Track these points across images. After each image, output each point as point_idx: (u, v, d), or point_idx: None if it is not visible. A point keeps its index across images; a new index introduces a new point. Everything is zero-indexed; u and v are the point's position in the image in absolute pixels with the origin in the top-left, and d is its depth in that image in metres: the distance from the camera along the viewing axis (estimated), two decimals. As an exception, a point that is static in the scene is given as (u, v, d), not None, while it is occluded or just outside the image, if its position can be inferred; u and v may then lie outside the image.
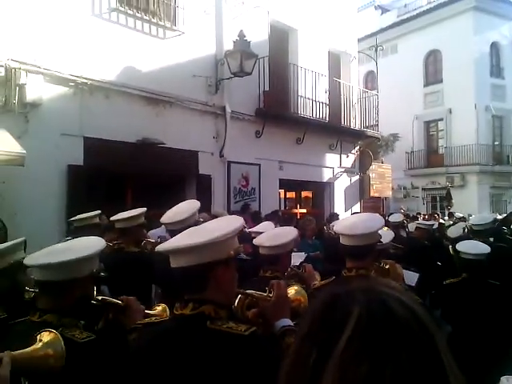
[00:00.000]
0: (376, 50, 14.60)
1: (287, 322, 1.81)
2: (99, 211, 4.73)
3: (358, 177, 13.09)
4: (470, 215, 13.05)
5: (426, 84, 22.45)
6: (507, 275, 4.21)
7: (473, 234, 5.67)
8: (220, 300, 1.60)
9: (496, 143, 21.61)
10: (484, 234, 5.45)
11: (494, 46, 21.61)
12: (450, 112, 21.31)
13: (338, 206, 12.14)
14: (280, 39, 10.91)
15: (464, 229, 7.12)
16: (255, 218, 7.64)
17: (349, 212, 11.83)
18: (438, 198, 21.79)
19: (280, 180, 10.66)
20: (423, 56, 22.44)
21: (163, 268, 1.85)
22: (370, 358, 0.63)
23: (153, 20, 8.10)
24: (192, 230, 1.75)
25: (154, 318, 2.16)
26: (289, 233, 2.82)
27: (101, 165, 7.14)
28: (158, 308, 2.31)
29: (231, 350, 1.43)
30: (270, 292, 1.90)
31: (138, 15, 7.89)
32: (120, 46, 7.60)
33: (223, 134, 9.23)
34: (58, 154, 6.68)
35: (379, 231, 2.75)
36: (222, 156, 9.24)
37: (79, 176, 6.96)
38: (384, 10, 25.13)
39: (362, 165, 13.02)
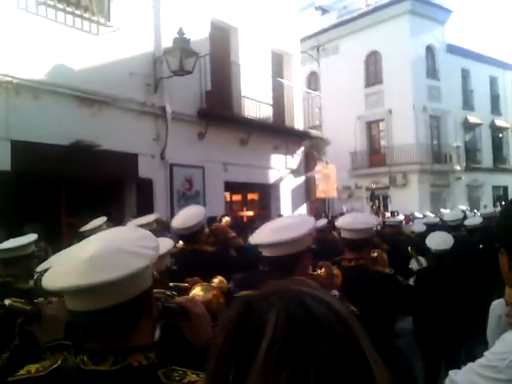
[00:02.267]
0: (318, 50, 14.71)
1: (336, 292, 2.24)
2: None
3: (303, 178, 13.09)
4: (412, 214, 13.48)
5: (367, 85, 22.98)
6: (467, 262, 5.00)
7: (448, 228, 6.32)
8: None
9: (434, 142, 22.47)
10: (457, 228, 6.51)
11: (429, 49, 22.48)
12: (390, 112, 21.90)
13: (285, 207, 12.06)
14: (221, 38, 10.70)
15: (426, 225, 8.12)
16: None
17: (296, 213, 11.77)
18: (381, 198, 22.34)
19: (225, 182, 10.46)
20: (364, 57, 22.97)
21: None
22: (292, 360, 0.60)
23: (85, 15, 7.64)
24: (274, 227, 2.20)
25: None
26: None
27: (31, 169, 6.70)
28: (215, 280, 2.21)
29: None
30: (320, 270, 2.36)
31: (69, 9, 7.42)
32: (49, 43, 7.14)
33: (164, 135, 8.90)
34: (-20, 159, 6.13)
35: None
36: (163, 158, 8.90)
37: (6, 182, 6.41)
38: (324, 10, 25.48)
39: (308, 166, 13.04)
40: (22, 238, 3.45)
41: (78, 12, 7.58)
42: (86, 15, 7.69)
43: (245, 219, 10.92)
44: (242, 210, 11.81)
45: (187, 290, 1.97)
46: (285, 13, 12.36)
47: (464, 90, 24.67)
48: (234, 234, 3.95)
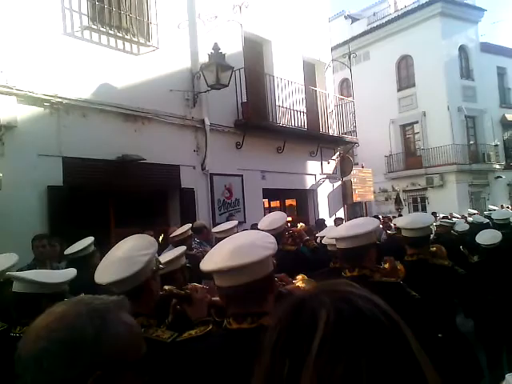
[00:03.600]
0: (349, 58, 14.81)
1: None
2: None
3: (339, 182, 13.17)
4: (451, 214, 13.30)
5: (400, 88, 22.86)
6: None
7: (497, 227, 6.63)
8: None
9: (471, 142, 22.08)
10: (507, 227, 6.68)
11: (462, 49, 22.18)
12: (425, 115, 21.70)
13: (323, 212, 12.18)
14: (254, 51, 11.00)
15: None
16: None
17: (333, 217, 11.86)
18: (418, 199, 22.10)
19: (263, 189, 10.66)
20: (395, 61, 22.89)
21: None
22: (344, 358, 0.63)
23: (126, 36, 8.07)
24: (349, 225, 2.84)
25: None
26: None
27: (81, 184, 7.05)
28: (298, 277, 2.50)
29: None
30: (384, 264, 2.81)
31: (111, 32, 7.84)
32: (94, 64, 7.53)
33: (204, 146, 9.21)
34: (36, 176, 6.55)
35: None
36: (203, 169, 9.20)
37: (59, 197, 6.82)
38: (354, 19, 25.61)
39: (343, 170, 13.11)
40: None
41: (119, 34, 7.98)
42: (128, 37, 8.10)
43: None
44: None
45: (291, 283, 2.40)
46: (315, 23, 12.58)
47: (500, 88, 24.17)
48: (308, 237, 4.68)
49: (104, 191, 7.67)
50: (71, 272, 2.50)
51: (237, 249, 1.59)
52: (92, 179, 7.20)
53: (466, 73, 22.25)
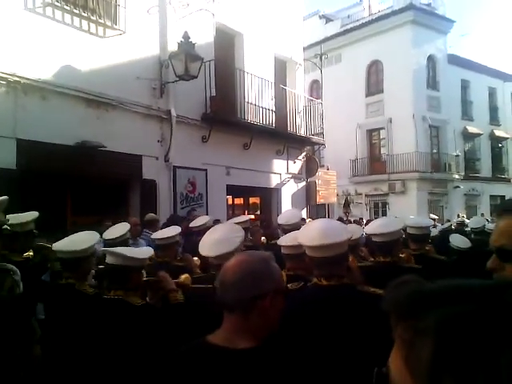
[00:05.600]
0: (321, 59, 14.85)
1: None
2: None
3: (304, 183, 13.18)
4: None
5: (368, 94, 23.17)
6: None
7: (474, 233, 7.12)
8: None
9: (434, 151, 22.62)
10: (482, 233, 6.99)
11: (431, 59, 22.66)
12: (391, 121, 22.08)
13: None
14: (226, 43, 10.82)
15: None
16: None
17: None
18: (380, 204, 22.48)
19: (227, 186, 10.52)
20: (366, 66, 23.17)
21: None
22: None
23: (92, 17, 7.74)
24: (379, 224, 3.45)
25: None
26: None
27: (36, 168, 6.74)
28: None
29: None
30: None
31: (76, 11, 7.51)
32: (56, 44, 7.21)
33: (168, 138, 8.98)
34: (-14, 157, 6.19)
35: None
36: (167, 160, 8.97)
37: (11, 180, 6.44)
38: (328, 19, 25.68)
39: (309, 171, 13.12)
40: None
41: (84, 14, 7.65)
42: (93, 18, 7.78)
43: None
44: (244, 213, 11.87)
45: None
46: (289, 20, 12.52)
47: (463, 101, 24.86)
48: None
49: (61, 177, 7.35)
50: (150, 250, 3.13)
51: (328, 230, 2.28)
52: (48, 164, 6.88)
53: (433, 83, 22.76)
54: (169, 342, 2.24)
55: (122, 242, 4.19)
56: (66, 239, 3.28)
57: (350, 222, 10.16)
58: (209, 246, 2.65)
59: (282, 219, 5.13)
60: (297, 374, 1.54)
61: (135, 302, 2.62)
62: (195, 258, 3.88)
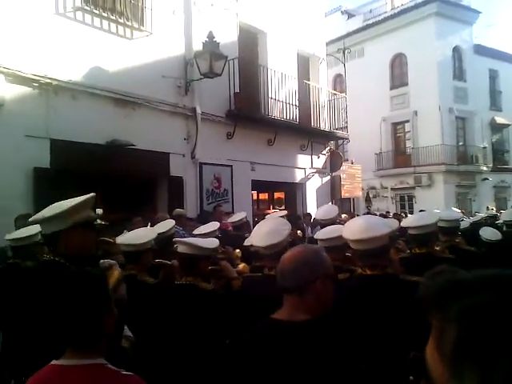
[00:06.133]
0: (344, 53, 14.80)
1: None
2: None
3: (328, 177, 13.21)
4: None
5: (392, 87, 22.95)
6: None
7: (506, 226, 7.00)
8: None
9: (460, 144, 22.26)
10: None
11: (456, 50, 22.29)
12: (416, 114, 21.83)
13: (310, 206, 12.20)
14: (249, 41, 10.93)
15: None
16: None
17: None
18: (406, 198, 22.27)
19: (252, 181, 10.64)
20: (389, 59, 22.95)
21: None
22: None
23: (120, 20, 7.96)
24: (417, 218, 3.86)
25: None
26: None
27: (69, 167, 6.97)
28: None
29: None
30: None
31: (104, 15, 7.73)
32: (86, 46, 7.43)
33: (194, 135, 9.15)
34: (22, 157, 6.46)
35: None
36: (193, 157, 9.15)
37: (46, 179, 6.73)
38: (350, 15, 25.58)
39: (333, 165, 13.14)
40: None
41: (113, 17, 7.88)
42: (121, 20, 7.99)
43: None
44: (269, 208, 11.99)
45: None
46: (311, 17, 12.55)
47: (491, 91, 24.35)
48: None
49: (92, 175, 7.58)
50: (216, 241, 3.30)
51: (369, 225, 2.52)
52: (80, 163, 7.10)
53: (459, 74, 22.38)
54: (231, 325, 2.58)
55: (169, 235, 4.40)
56: (128, 234, 3.60)
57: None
58: (260, 237, 2.90)
59: (319, 214, 5.45)
60: (345, 343, 1.79)
61: (205, 287, 2.91)
62: (237, 251, 4.07)
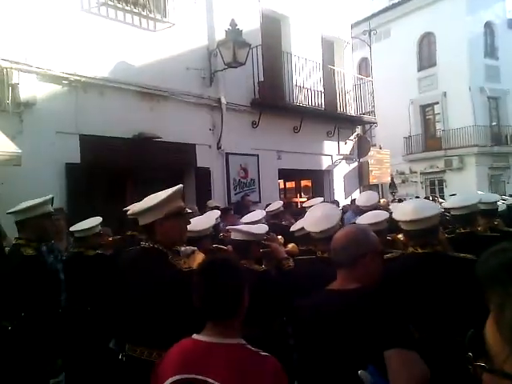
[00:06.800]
0: (369, 35, 14.49)
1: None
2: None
3: (356, 163, 13.05)
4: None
5: (420, 68, 22.35)
6: None
7: None
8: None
9: (494, 124, 21.56)
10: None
11: (488, 26, 21.47)
12: (445, 95, 21.23)
13: (338, 193, 12.12)
14: (272, 27, 10.82)
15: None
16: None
17: (349, 199, 11.78)
18: (436, 182, 21.81)
19: (279, 170, 10.62)
20: (417, 39, 22.32)
21: None
22: None
23: (143, 13, 8.00)
24: (458, 199, 4.08)
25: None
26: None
27: (98, 162, 7.10)
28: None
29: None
30: None
31: (128, 8, 7.79)
32: (111, 41, 7.52)
33: (219, 125, 9.18)
34: (54, 153, 6.63)
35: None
36: (219, 148, 9.19)
37: (77, 174, 6.90)
38: (375, -6, 24.90)
39: (360, 151, 12.97)
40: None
41: (136, 10, 7.92)
42: (144, 13, 8.03)
43: (298, 205, 11.08)
44: (296, 197, 11.97)
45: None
46: (335, -1, 12.31)
47: (526, 68, 23.41)
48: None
49: (120, 169, 7.73)
50: (265, 227, 3.57)
51: (419, 208, 2.70)
52: (109, 157, 7.23)
53: (491, 51, 21.59)
54: (284, 302, 2.87)
55: (215, 224, 4.62)
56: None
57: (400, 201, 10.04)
58: (313, 222, 3.13)
59: (360, 201, 5.78)
60: (395, 308, 1.88)
61: (257, 268, 3.17)
62: (279, 237, 4.21)
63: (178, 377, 1.57)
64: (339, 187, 12.31)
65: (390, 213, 3.79)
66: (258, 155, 9.93)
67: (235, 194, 9.36)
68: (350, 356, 1.79)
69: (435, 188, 21.62)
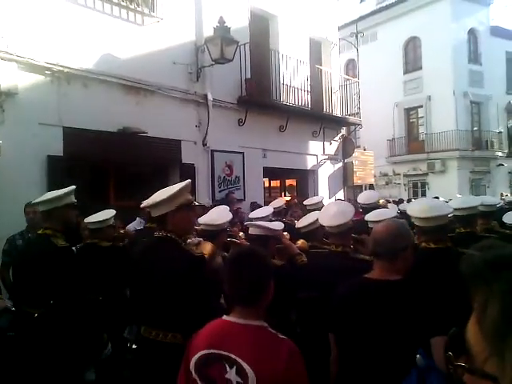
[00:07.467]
0: (356, 37, 14.57)
1: None
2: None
3: (341, 164, 13.11)
4: (450, 200, 13.23)
5: (406, 71, 22.59)
6: None
7: None
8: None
9: (475, 129, 21.90)
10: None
11: (472, 33, 21.81)
12: (430, 99, 21.50)
13: (322, 193, 12.12)
14: (261, 26, 10.79)
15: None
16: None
17: (333, 199, 11.83)
18: (419, 184, 22.07)
19: (264, 168, 10.60)
20: (403, 43, 22.56)
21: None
22: None
23: (130, 6, 7.90)
24: (462, 199, 4.30)
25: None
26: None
27: (81, 155, 6.98)
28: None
29: None
30: None
31: (115, 1, 7.68)
32: (97, 33, 7.39)
33: (205, 122, 9.11)
34: (36, 144, 6.48)
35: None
36: (205, 144, 9.13)
37: (59, 166, 6.77)
38: (363, -3, 25.12)
39: (345, 152, 13.03)
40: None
41: (123, 3, 7.81)
42: (132, 6, 7.93)
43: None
44: (281, 195, 11.96)
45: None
46: (323, 0, 12.33)
47: (508, 74, 23.79)
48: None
49: (103, 162, 7.63)
50: (281, 224, 3.68)
51: (434, 206, 2.96)
52: (92, 150, 7.10)
53: (474, 57, 21.94)
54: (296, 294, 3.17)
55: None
56: (206, 216, 3.90)
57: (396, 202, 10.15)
58: (329, 218, 3.29)
59: (361, 199, 6.00)
60: (430, 299, 2.05)
61: (276, 263, 3.22)
62: (285, 233, 4.39)
63: (206, 351, 1.79)
64: (323, 187, 12.35)
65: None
66: (243, 153, 9.90)
67: (220, 192, 9.32)
68: (398, 340, 1.97)
69: (418, 190, 21.90)
